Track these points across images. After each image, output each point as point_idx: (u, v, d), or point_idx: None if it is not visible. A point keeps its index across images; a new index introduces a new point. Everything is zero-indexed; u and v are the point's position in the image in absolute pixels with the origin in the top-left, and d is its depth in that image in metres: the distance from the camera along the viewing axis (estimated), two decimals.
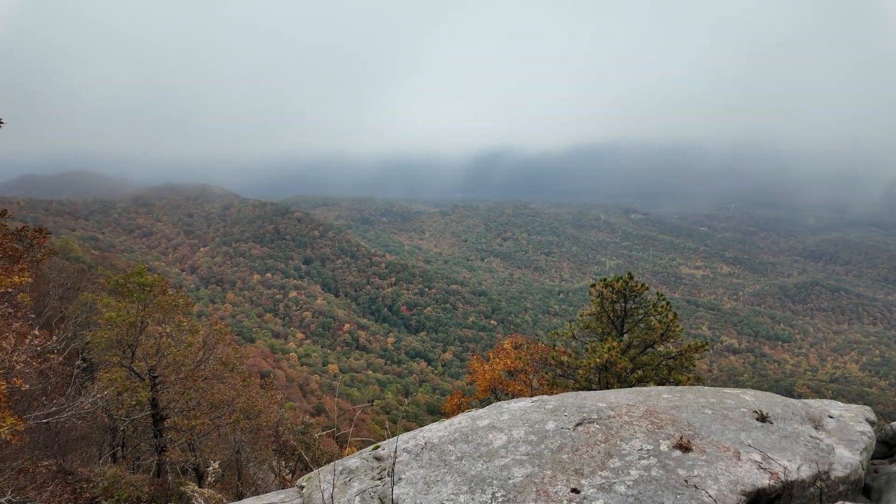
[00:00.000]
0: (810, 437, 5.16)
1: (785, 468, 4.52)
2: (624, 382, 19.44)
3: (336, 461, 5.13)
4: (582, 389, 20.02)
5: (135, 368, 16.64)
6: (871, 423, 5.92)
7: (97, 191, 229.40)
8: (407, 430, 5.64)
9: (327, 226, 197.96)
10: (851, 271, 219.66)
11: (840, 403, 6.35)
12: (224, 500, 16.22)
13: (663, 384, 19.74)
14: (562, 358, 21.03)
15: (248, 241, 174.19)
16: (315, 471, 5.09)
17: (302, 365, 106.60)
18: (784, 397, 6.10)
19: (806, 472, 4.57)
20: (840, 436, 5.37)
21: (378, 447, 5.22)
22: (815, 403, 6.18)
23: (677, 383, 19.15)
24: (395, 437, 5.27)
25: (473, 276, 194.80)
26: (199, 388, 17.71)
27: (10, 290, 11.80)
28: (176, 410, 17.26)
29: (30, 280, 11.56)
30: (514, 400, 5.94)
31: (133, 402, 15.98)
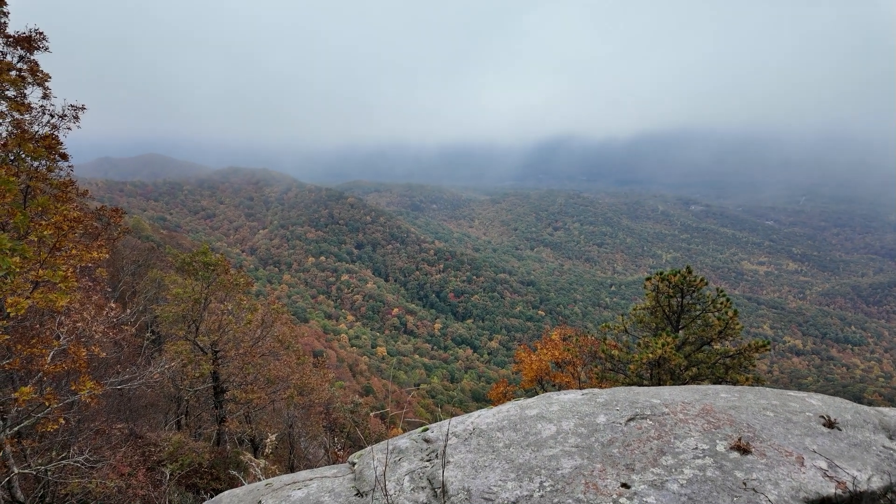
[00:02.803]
0: (883, 447, 4.84)
1: (854, 478, 4.27)
2: (677, 380, 18.85)
3: (387, 440, 5.28)
4: (632, 385, 19.59)
5: (198, 343, 17.65)
6: None
7: (167, 173, 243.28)
8: (452, 415, 5.72)
9: (379, 211, 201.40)
10: None
11: None
12: (277, 472, 17.06)
13: (719, 383, 18.98)
14: (612, 352, 20.63)
15: (303, 224, 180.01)
16: (367, 448, 5.26)
17: (352, 346, 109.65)
18: (855, 404, 5.73)
19: (877, 484, 4.30)
20: None
21: (427, 429, 5.33)
22: (890, 412, 5.78)
23: (735, 383, 18.36)
24: (445, 420, 5.36)
25: (522, 265, 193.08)
26: (256, 363, 18.61)
27: (90, 265, 12.78)
28: (235, 384, 18.23)
29: (107, 256, 12.45)
30: (564, 391, 5.89)
31: (196, 374, 17.01)
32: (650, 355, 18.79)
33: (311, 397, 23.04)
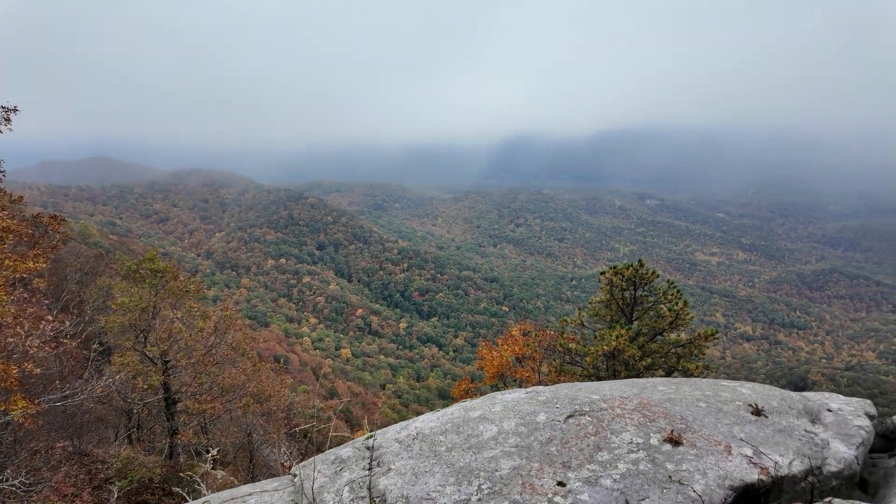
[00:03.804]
0: (805, 431, 5.10)
1: (776, 463, 4.48)
2: (632, 370, 19.41)
3: (330, 450, 5.21)
4: (590, 376, 20.09)
5: (147, 353, 16.97)
6: (871, 418, 5.82)
7: (116, 176, 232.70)
8: (418, 414, 5.69)
9: (340, 211, 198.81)
10: (872, 259, 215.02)
11: (841, 397, 6.25)
12: (236, 482, 16.60)
13: (671, 372, 19.69)
14: (570, 345, 21.05)
15: (262, 226, 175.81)
16: (309, 459, 5.17)
17: (315, 349, 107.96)
18: (783, 390, 6.02)
19: (798, 468, 4.53)
20: (837, 430, 5.30)
21: (371, 436, 5.28)
22: (814, 397, 6.10)
23: (686, 371, 19.07)
24: (391, 426, 5.33)
25: (486, 262, 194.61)
26: (210, 372, 18.04)
27: (25, 275, 12.07)
28: (188, 394, 17.62)
29: (45, 266, 11.80)
30: (509, 391, 5.95)
31: (145, 386, 16.35)
32: (605, 347, 19.28)
33: (269, 404, 22.56)
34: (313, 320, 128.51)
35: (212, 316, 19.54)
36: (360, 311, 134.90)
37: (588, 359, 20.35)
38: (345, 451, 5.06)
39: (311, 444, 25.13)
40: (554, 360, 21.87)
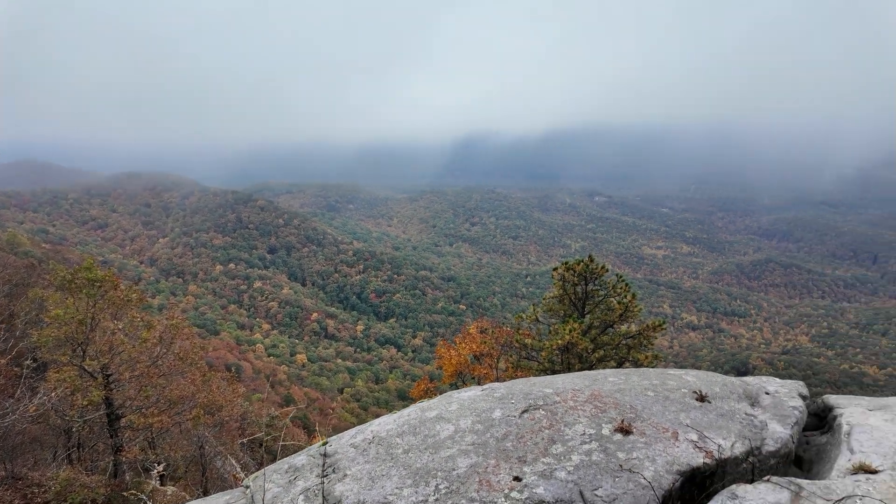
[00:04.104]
0: (745, 414, 5.38)
1: (719, 446, 4.70)
2: (585, 363, 19.94)
3: (284, 459, 5.06)
4: (545, 370, 20.50)
5: (86, 367, 16.01)
6: (804, 398, 6.21)
7: (48, 182, 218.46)
8: (378, 416, 5.61)
9: (292, 213, 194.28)
10: (803, 248, 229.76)
11: (777, 380, 6.64)
12: (188, 497, 15.90)
13: (623, 363, 20.38)
14: (525, 340, 21.43)
15: (209, 231, 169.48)
16: (261, 470, 5.01)
17: (269, 356, 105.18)
18: (724, 376, 6.34)
19: (739, 449, 4.77)
20: (774, 411, 5.62)
21: (326, 443, 5.17)
22: (753, 381, 6.44)
23: (637, 362, 19.79)
24: (347, 431, 5.23)
25: (442, 261, 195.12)
26: (156, 384, 17.21)
27: None
28: (133, 408, 16.76)
29: None
30: (465, 389, 5.98)
31: (85, 402, 15.42)
32: (559, 341, 19.75)
33: (220, 414, 21.78)
34: (266, 326, 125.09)
35: (157, 325, 18.64)
36: (315, 314, 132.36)
37: (543, 353, 20.80)
38: (299, 459, 4.93)
39: (266, 454, 24.47)
40: (510, 355, 22.22)
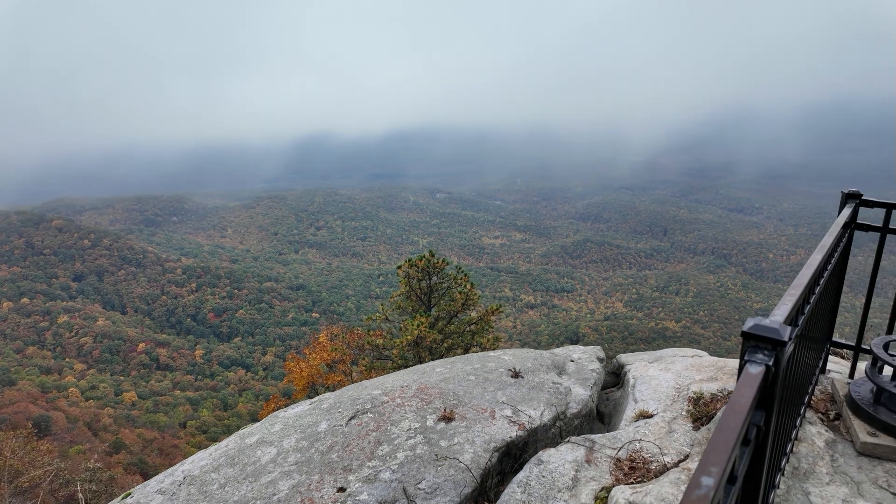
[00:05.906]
0: (553, 383, 5.98)
1: (530, 417, 5.14)
2: (436, 354, 20.61)
3: None
4: (399, 368, 20.74)
5: None
6: (601, 360, 7.13)
7: None
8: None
9: (101, 232, 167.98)
10: (611, 227, 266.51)
11: (581, 347, 7.52)
12: None
13: (469, 349, 21.53)
14: (377, 341, 21.47)
15: None
16: None
17: (88, 400, 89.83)
18: (536, 351, 6.99)
19: (548, 416, 5.27)
20: (577, 377, 6.35)
21: (128, 495, 4.51)
22: (560, 351, 7.21)
23: (481, 346, 21.07)
24: (148, 480, 4.61)
25: (289, 270, 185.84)
26: None
27: None
28: None
29: None
30: (293, 405, 5.70)
31: None
32: (409, 337, 20.15)
33: (19, 482, 18.04)
34: (80, 366, 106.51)
35: None
36: (142, 345, 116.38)
37: (395, 351, 21.07)
38: None
39: None
40: (364, 358, 22.08)
